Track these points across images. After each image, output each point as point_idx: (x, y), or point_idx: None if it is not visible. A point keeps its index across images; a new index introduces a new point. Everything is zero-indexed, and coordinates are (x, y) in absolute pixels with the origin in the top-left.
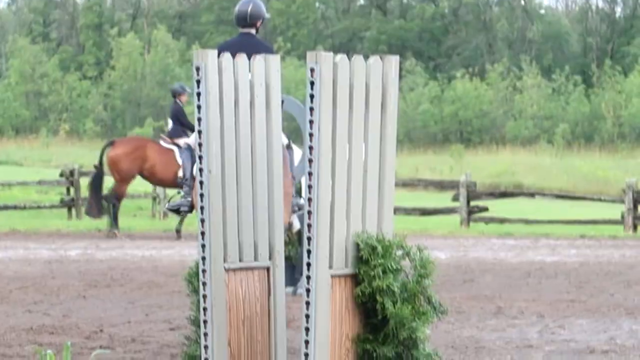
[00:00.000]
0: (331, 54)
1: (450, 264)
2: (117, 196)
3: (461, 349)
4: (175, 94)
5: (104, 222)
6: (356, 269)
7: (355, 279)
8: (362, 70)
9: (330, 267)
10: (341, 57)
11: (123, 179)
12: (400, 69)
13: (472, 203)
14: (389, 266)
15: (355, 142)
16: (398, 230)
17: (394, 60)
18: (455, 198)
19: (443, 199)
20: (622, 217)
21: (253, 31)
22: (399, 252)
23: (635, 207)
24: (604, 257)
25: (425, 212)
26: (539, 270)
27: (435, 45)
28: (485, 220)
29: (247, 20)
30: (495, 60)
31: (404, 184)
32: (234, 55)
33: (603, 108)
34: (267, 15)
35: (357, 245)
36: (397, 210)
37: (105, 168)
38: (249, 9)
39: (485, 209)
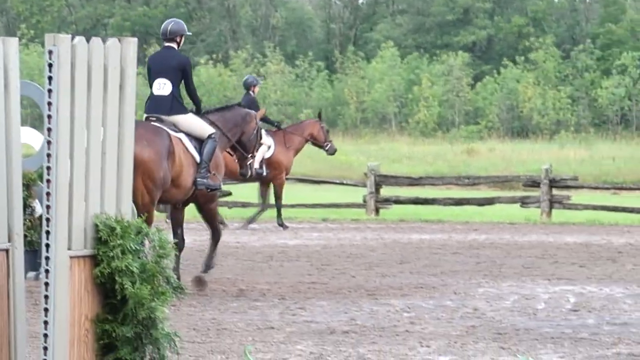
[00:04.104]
0: (69, 36)
1: (193, 248)
2: None
3: (203, 331)
4: (249, 86)
5: None
6: (95, 250)
7: (95, 260)
8: (100, 52)
9: (69, 248)
10: (79, 39)
11: None
12: (144, 55)
13: None
14: (128, 247)
15: (94, 124)
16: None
17: (132, 42)
18: None
19: None
20: (364, 200)
21: (174, 45)
22: (138, 234)
23: (377, 190)
24: (346, 240)
25: None
26: (281, 253)
27: None
28: (229, 205)
29: (167, 35)
30: (239, 47)
31: None
32: (156, 64)
33: (346, 94)
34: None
35: (96, 226)
36: None
37: None
38: (170, 26)
39: (229, 193)
